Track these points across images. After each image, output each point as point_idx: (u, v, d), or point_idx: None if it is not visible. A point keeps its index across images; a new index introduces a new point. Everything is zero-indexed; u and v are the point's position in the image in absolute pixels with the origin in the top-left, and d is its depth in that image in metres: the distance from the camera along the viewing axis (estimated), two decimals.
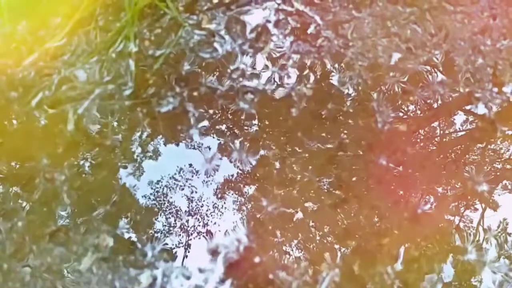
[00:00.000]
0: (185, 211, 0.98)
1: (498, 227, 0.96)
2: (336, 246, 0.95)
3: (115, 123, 1.03)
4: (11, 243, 0.95)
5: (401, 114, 1.04)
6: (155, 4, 1.11)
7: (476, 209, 0.98)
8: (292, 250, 0.95)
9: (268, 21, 1.12)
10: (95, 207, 0.97)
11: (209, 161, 1.01)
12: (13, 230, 0.95)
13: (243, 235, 0.96)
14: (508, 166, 1.01)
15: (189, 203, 0.98)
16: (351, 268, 0.94)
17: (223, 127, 1.03)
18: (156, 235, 0.96)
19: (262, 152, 1.02)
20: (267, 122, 1.04)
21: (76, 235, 0.95)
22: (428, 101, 1.05)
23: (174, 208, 0.98)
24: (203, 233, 0.96)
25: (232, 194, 0.99)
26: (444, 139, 1.03)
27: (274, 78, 1.07)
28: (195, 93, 1.06)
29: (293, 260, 0.94)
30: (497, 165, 1.01)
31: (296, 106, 1.05)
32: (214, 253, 0.95)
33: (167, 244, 0.95)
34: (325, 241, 0.95)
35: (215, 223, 0.97)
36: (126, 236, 0.95)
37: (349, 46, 1.09)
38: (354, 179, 0.99)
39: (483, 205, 0.98)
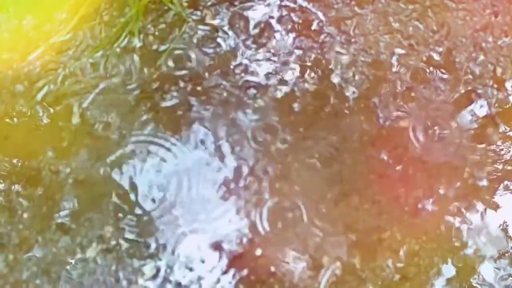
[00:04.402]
0: (187, 204, 0.98)
1: (499, 225, 0.97)
2: (337, 240, 0.96)
3: (119, 117, 1.04)
4: (17, 234, 0.95)
5: (402, 110, 1.05)
6: (159, 0, 1.11)
7: (477, 207, 0.98)
8: (294, 244, 0.95)
9: (271, 17, 1.12)
10: (99, 199, 0.98)
11: (211, 156, 1.01)
12: (19, 221, 0.96)
13: (245, 229, 0.96)
14: (510, 165, 1.01)
15: (191, 197, 0.99)
16: (352, 261, 0.94)
17: (226, 122, 1.04)
18: (159, 228, 0.96)
19: (264, 147, 1.02)
20: (269, 118, 1.04)
21: (80, 226, 0.96)
22: (430, 97, 1.06)
23: (176, 201, 0.98)
24: (206, 227, 0.97)
25: (234, 188, 0.99)
26: (445, 136, 1.03)
27: (277, 74, 1.07)
28: (199, 88, 1.06)
29: (295, 253, 0.95)
30: (498, 163, 1.01)
31: (299, 102, 1.05)
32: (216, 246, 0.95)
33: (170, 237, 0.96)
34: (326, 235, 0.96)
35: (217, 217, 0.97)
36: (130, 228, 0.96)
37: (351, 43, 1.10)
38: (355, 174, 1.00)
39: (484, 203, 0.98)
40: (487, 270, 0.94)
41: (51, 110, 1.04)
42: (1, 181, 0.99)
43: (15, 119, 1.03)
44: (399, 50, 1.09)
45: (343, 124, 1.04)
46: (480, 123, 1.04)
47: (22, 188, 0.98)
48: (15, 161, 1.00)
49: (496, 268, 0.94)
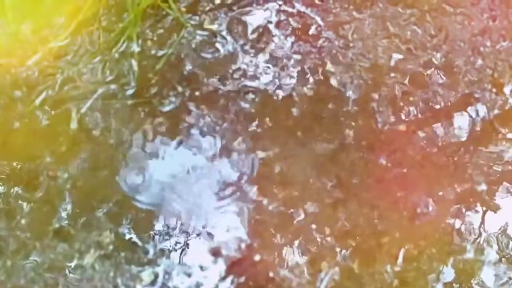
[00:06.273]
0: (186, 210, 0.98)
1: (499, 228, 0.97)
2: (336, 245, 0.96)
3: (117, 123, 1.04)
4: (15, 240, 0.95)
5: (401, 114, 1.05)
6: (158, 5, 1.12)
7: (476, 210, 0.98)
8: (293, 249, 0.95)
9: (270, 22, 1.12)
10: (97, 205, 0.98)
11: (210, 161, 1.01)
12: (17, 227, 0.96)
13: (243, 234, 0.96)
14: (508, 168, 1.01)
15: (190, 203, 0.99)
16: (351, 267, 0.94)
17: (224, 127, 1.04)
18: (157, 234, 0.96)
19: (262, 152, 1.02)
20: (268, 122, 1.05)
21: (78, 232, 0.96)
22: (428, 102, 1.06)
23: (175, 207, 0.98)
24: (204, 232, 0.97)
25: (233, 194, 0.99)
26: (444, 140, 1.04)
27: (275, 79, 1.08)
28: (197, 93, 1.07)
29: (294, 258, 0.95)
30: (497, 167, 1.01)
31: (297, 106, 1.06)
32: (215, 251, 0.95)
33: (168, 242, 0.96)
34: (325, 240, 0.96)
35: (216, 222, 0.97)
36: (128, 234, 0.96)
37: (349, 47, 1.10)
38: (354, 178, 1.00)
39: (483, 207, 0.99)
40: (486, 274, 0.94)
41: (50, 115, 1.04)
42: (0, 184, 0.99)
43: (13, 124, 1.03)
44: (397, 55, 1.09)
45: (342, 128, 1.04)
46: (478, 126, 1.04)
47: (20, 192, 0.98)
48: (14, 164, 1.00)
49: (496, 271, 0.94)
